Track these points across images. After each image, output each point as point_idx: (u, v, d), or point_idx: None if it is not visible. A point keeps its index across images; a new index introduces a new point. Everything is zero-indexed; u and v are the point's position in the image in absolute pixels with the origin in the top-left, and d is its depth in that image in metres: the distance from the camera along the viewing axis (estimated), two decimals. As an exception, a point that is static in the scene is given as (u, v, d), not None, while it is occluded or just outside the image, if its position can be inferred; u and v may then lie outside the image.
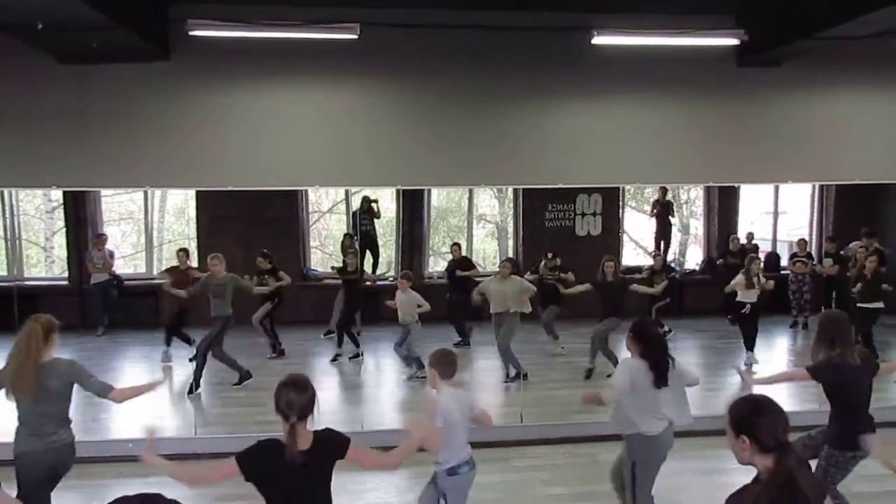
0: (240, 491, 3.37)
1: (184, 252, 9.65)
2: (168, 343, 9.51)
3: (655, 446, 4.62)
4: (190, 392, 8.14)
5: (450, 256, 11.02)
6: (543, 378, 8.84)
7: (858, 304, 9.00)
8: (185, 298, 8.78)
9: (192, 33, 6.44)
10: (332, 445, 3.35)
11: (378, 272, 11.77)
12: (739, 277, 9.09)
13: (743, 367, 8.80)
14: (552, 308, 9.72)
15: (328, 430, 3.38)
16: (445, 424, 4.16)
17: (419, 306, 8.73)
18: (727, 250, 11.63)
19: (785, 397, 8.42)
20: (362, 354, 9.74)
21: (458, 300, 10.19)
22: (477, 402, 4.50)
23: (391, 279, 11.36)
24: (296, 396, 3.24)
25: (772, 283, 9.23)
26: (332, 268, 10.43)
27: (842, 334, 4.70)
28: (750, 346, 9.27)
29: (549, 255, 9.88)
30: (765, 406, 2.60)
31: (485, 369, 9.06)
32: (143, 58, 6.95)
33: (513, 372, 8.73)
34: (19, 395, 4.23)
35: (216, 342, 8.30)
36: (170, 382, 8.83)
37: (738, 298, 9.15)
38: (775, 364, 9.35)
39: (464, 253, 11.20)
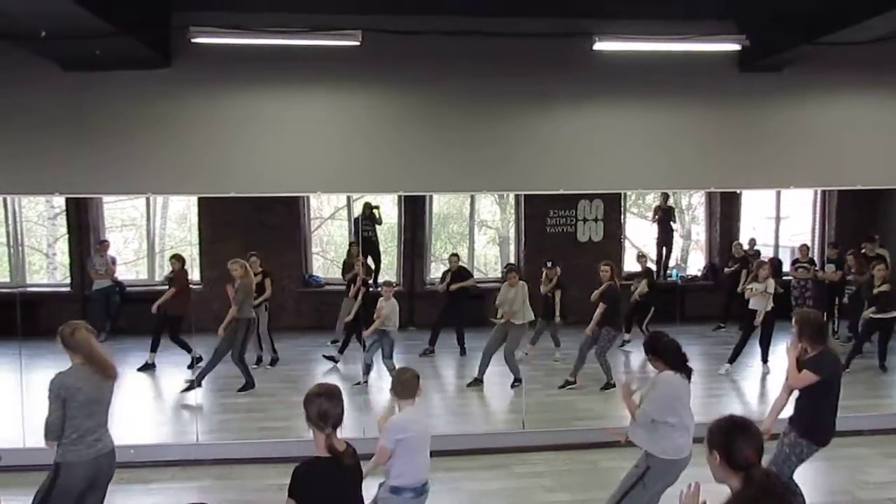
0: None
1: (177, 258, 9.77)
2: (188, 348, 9.38)
3: (675, 464, 4.56)
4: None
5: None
6: (545, 384, 8.83)
7: (872, 316, 9.02)
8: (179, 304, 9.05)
9: (194, 40, 6.46)
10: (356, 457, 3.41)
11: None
12: (755, 283, 9.14)
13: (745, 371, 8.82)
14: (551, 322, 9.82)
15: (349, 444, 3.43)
16: (397, 447, 4.07)
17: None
18: (731, 256, 11.63)
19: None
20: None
21: (455, 310, 10.25)
22: (429, 429, 4.35)
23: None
24: (330, 406, 3.27)
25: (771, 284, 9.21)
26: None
27: (823, 329, 4.94)
28: (764, 356, 9.27)
29: (549, 265, 9.90)
30: (741, 426, 2.71)
31: (487, 375, 9.03)
32: (146, 65, 6.97)
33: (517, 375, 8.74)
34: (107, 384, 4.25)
35: (243, 344, 8.49)
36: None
37: (751, 306, 9.12)
38: (777, 369, 9.31)
39: (464, 260, 11.20)
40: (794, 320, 5.00)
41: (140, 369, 9.41)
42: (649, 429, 4.57)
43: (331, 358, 9.65)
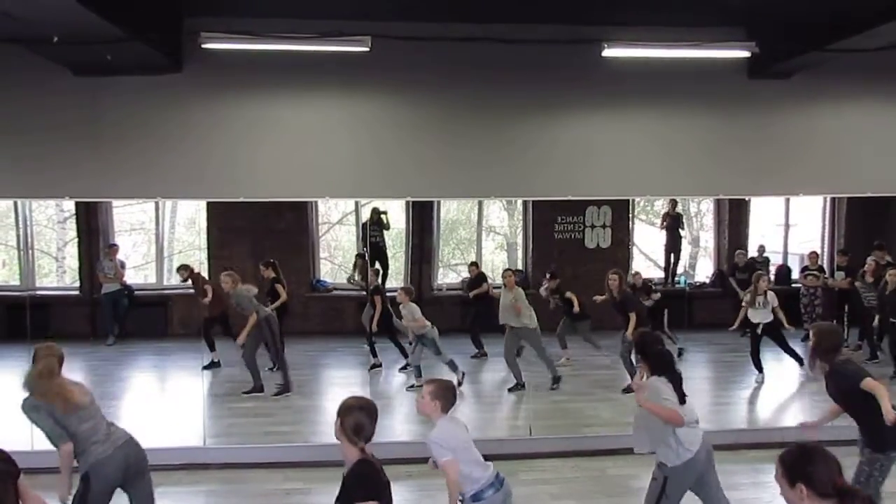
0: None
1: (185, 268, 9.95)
2: (212, 348, 9.46)
3: (694, 468, 4.51)
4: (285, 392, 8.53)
5: (461, 269, 11.03)
6: (553, 391, 8.80)
7: (892, 320, 8.93)
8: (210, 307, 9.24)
9: (204, 46, 6.50)
10: None
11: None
12: (746, 296, 9.03)
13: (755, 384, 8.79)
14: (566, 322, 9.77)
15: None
16: (455, 455, 4.01)
17: (415, 320, 8.74)
18: (735, 265, 11.56)
19: (797, 411, 8.35)
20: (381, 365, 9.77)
21: (475, 313, 10.21)
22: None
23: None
24: (367, 422, 3.30)
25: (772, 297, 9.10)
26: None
27: (839, 343, 4.76)
28: (757, 366, 9.10)
29: (548, 276, 9.90)
30: (816, 452, 2.60)
31: (495, 381, 9.04)
32: (157, 70, 7.01)
33: (519, 381, 8.75)
34: (73, 411, 4.18)
35: (271, 343, 8.60)
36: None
37: (751, 318, 8.95)
38: (786, 377, 9.26)
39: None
40: (811, 333, 4.87)
41: (205, 367, 9.39)
42: (658, 439, 4.52)
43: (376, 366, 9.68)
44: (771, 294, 8.98)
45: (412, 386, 8.80)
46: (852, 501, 2.48)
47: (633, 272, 10.74)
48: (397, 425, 7.89)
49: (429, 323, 8.69)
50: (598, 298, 8.90)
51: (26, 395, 4.21)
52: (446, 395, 4.11)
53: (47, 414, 4.13)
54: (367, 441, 3.31)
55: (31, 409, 4.17)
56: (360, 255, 11.09)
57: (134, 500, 4.45)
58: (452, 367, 8.68)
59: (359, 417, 3.28)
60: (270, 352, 8.72)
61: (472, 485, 4.08)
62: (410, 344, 9.02)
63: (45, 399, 4.14)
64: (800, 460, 2.58)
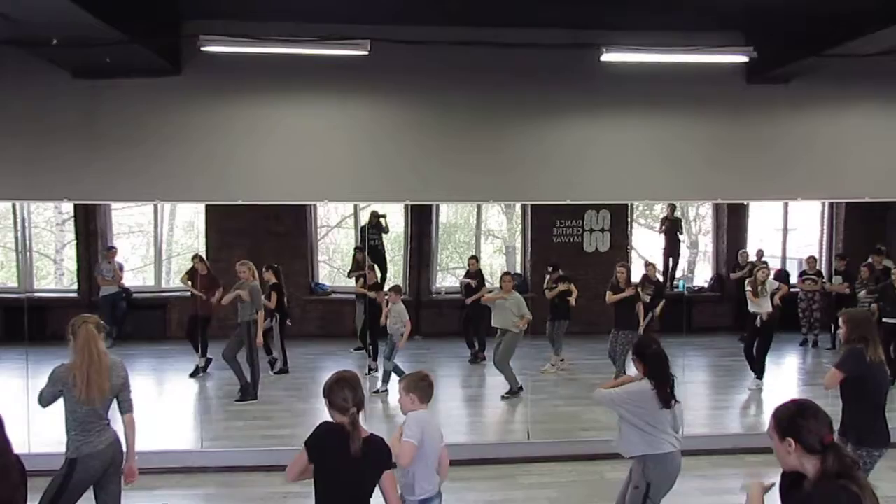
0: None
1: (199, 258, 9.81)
2: (201, 352, 9.37)
3: (670, 464, 4.53)
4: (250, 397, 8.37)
5: (460, 272, 11.01)
6: (551, 395, 8.80)
7: (884, 320, 8.96)
8: (210, 305, 9.17)
9: (203, 49, 6.51)
10: (383, 451, 3.49)
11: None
12: (749, 289, 9.08)
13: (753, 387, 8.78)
14: (561, 322, 9.73)
15: (378, 436, 3.51)
16: (422, 446, 3.96)
17: (404, 325, 8.75)
18: (736, 264, 11.62)
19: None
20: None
21: (473, 315, 10.23)
22: (442, 434, 4.23)
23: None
24: (351, 394, 3.39)
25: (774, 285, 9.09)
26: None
27: (870, 331, 4.74)
28: (758, 371, 9.02)
29: (550, 270, 9.90)
30: (809, 408, 2.67)
31: (492, 385, 9.02)
32: (156, 73, 7.02)
33: (513, 387, 8.72)
34: (94, 398, 4.24)
35: (238, 347, 8.48)
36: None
37: (750, 309, 9.02)
38: (786, 382, 9.26)
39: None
40: (841, 320, 4.86)
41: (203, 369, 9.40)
42: (633, 435, 4.54)
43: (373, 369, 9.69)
44: (770, 281, 9.05)
45: (377, 391, 8.80)
46: (835, 458, 2.53)
47: (646, 261, 10.78)
48: (396, 426, 7.88)
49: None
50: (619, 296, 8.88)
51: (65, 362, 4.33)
52: (420, 386, 4.13)
53: (55, 393, 4.27)
54: (359, 407, 3.40)
55: (53, 377, 4.29)
56: (358, 249, 11.11)
57: (101, 499, 4.46)
58: (397, 371, 8.67)
59: (344, 392, 3.39)
60: (247, 356, 8.50)
61: (423, 491, 4.05)
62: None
63: (74, 374, 4.23)
64: (792, 415, 2.65)
